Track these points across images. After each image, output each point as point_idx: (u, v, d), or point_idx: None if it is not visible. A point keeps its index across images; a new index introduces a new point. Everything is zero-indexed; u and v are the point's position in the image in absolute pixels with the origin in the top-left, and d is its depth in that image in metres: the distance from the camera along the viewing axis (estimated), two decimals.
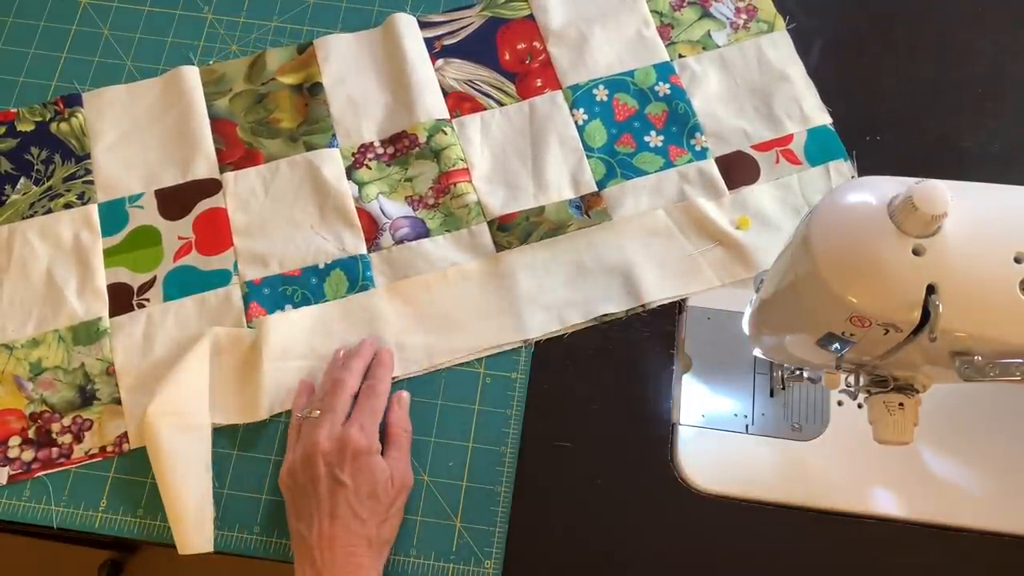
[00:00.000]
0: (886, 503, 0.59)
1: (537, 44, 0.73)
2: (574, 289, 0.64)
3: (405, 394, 0.61)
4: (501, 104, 0.71)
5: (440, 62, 0.72)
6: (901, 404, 0.49)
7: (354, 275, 0.65)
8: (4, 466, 0.60)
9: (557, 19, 0.73)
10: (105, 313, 0.63)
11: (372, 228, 0.66)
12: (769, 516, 0.59)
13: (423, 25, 0.73)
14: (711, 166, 0.68)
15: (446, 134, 0.68)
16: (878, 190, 0.43)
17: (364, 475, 0.54)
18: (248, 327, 0.63)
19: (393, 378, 0.61)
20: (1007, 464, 0.60)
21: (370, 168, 0.68)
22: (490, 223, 0.66)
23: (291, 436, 0.59)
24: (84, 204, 0.66)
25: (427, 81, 0.70)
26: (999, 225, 0.42)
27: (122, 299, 0.64)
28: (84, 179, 0.67)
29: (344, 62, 0.72)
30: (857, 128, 0.70)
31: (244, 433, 0.62)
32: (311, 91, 0.70)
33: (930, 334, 0.41)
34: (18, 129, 0.69)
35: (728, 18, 0.74)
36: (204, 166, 0.68)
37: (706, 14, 0.74)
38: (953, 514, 0.58)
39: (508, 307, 0.64)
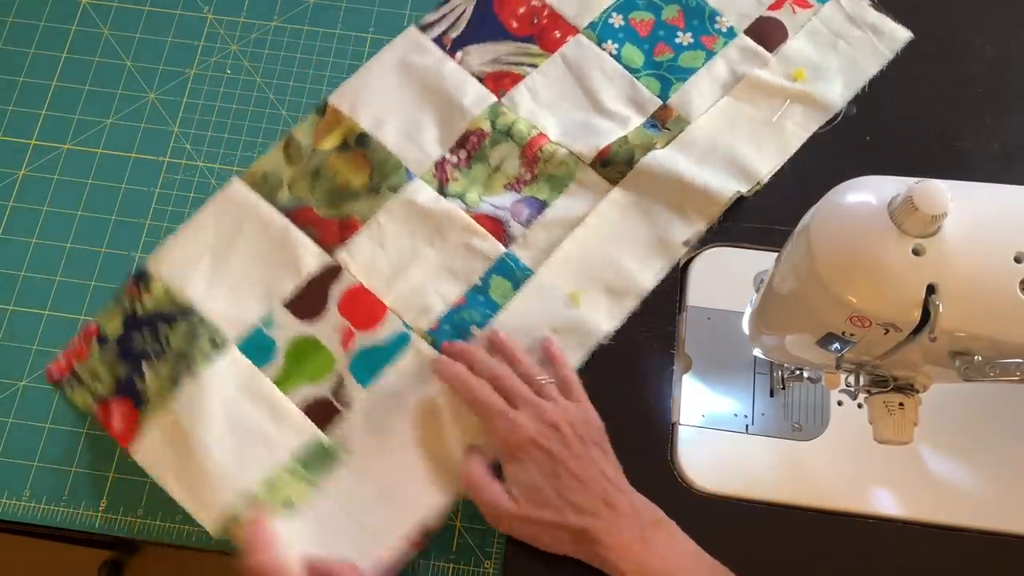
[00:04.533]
0: (886, 503, 0.59)
1: (535, 2, 0.73)
2: (707, 175, 0.66)
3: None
4: (535, 67, 0.71)
5: (459, 55, 0.71)
6: (901, 404, 0.49)
7: (511, 273, 0.64)
8: None
9: None
10: (318, 431, 0.60)
11: (497, 226, 0.66)
12: (769, 516, 0.59)
13: (423, 29, 0.73)
14: (744, 40, 0.72)
15: (505, 113, 0.69)
16: (878, 190, 0.43)
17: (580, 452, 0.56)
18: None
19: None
20: (1007, 464, 0.60)
21: (457, 179, 0.67)
22: (591, 165, 0.67)
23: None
24: (223, 349, 0.62)
25: (459, 77, 0.70)
26: (999, 225, 0.42)
27: (324, 411, 0.60)
28: (206, 329, 0.63)
29: (373, 104, 0.69)
30: (857, 128, 0.70)
31: None
32: (359, 142, 0.68)
33: (930, 334, 0.41)
34: (108, 335, 0.63)
35: None
36: (312, 258, 0.64)
37: None
38: (953, 514, 0.58)
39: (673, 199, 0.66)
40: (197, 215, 0.66)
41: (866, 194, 0.43)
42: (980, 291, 0.41)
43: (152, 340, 0.62)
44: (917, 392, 0.49)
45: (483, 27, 0.72)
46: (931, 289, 0.41)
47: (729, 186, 0.65)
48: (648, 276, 0.64)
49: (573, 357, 0.61)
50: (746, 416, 0.62)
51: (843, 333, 0.45)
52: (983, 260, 0.41)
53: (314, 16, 0.75)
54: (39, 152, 0.70)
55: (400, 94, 0.70)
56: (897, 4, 0.75)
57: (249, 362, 0.62)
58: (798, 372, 0.60)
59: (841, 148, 0.69)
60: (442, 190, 0.67)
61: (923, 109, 0.71)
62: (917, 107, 0.71)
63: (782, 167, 0.68)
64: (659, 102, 0.70)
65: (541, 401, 0.56)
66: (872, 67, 0.71)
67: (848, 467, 0.60)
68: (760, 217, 0.67)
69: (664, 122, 0.69)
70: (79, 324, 0.64)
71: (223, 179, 0.69)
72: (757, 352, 0.59)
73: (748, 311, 0.57)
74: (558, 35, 0.72)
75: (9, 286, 0.66)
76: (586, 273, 0.64)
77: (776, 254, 0.51)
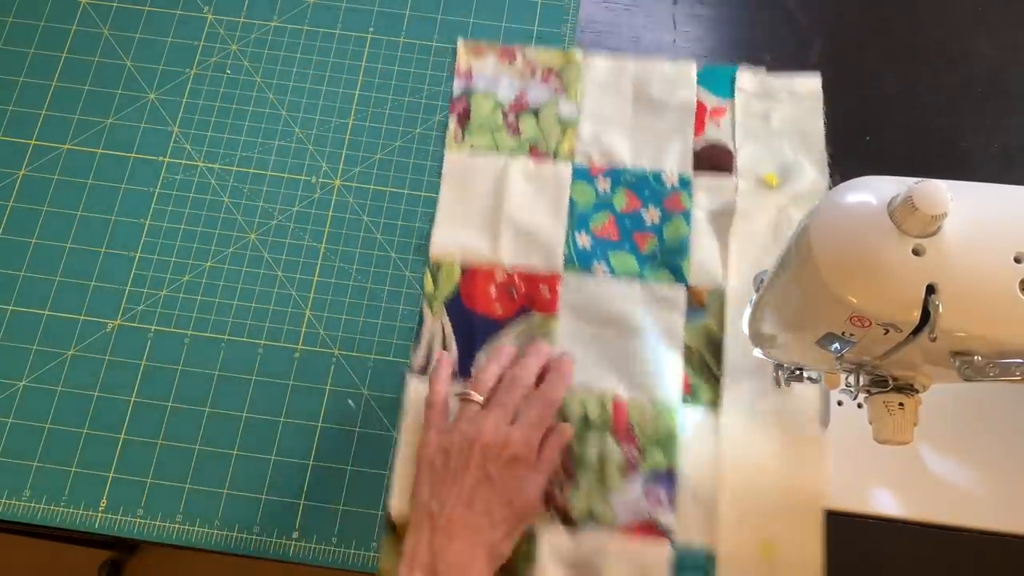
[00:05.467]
0: (886, 503, 0.59)
1: (498, 275, 0.65)
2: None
3: (569, 428, 0.59)
4: (550, 332, 0.63)
5: (471, 380, 0.60)
6: (901, 404, 0.49)
7: (696, 565, 0.57)
8: None
9: (480, 245, 0.66)
10: None
11: (647, 527, 0.58)
12: None
13: (421, 372, 0.63)
14: (701, 179, 0.68)
15: (566, 402, 0.61)
16: (878, 190, 0.43)
17: (513, 482, 0.54)
18: None
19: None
20: (1007, 464, 0.60)
21: (574, 505, 0.59)
22: (685, 402, 0.61)
23: (434, 412, 0.58)
24: None
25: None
26: (999, 225, 0.42)
27: None
28: None
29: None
30: (857, 128, 0.70)
31: (244, 433, 0.62)
32: None
33: (930, 334, 0.41)
34: None
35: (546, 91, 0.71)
36: None
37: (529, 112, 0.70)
38: (953, 514, 0.58)
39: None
40: None
41: (866, 194, 0.43)
42: (980, 291, 0.41)
43: None
44: (917, 392, 0.49)
45: (472, 333, 0.64)
46: (931, 289, 0.41)
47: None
48: (812, 475, 0.59)
49: None
50: None
51: (843, 333, 0.44)
52: (983, 260, 0.41)
53: (314, 16, 0.75)
54: (39, 152, 0.70)
55: None
56: (897, 5, 0.75)
57: None
58: (798, 372, 0.60)
59: (841, 148, 0.69)
60: (568, 520, 0.58)
61: (923, 109, 0.71)
62: (917, 107, 0.71)
63: None
64: (682, 286, 0.64)
65: (518, 427, 0.56)
66: (816, 126, 0.69)
67: (848, 467, 0.60)
68: None
69: (702, 302, 0.64)
70: (79, 324, 0.64)
71: (223, 179, 0.69)
72: (757, 352, 0.59)
73: (748, 311, 0.57)
74: (546, 291, 0.64)
75: (9, 286, 0.66)
76: (760, 518, 0.58)
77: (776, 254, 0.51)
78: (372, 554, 0.59)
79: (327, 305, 0.66)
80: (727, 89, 0.71)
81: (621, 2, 0.75)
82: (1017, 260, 0.41)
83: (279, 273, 0.67)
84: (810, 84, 0.70)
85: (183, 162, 0.70)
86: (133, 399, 0.63)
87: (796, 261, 0.46)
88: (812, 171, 0.67)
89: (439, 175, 0.69)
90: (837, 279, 0.42)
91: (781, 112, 0.70)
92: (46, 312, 0.65)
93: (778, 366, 0.61)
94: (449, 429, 0.56)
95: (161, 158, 0.70)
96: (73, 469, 0.61)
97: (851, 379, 0.50)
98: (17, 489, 0.60)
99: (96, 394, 0.63)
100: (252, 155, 0.70)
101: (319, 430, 0.62)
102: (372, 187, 0.69)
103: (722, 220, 0.66)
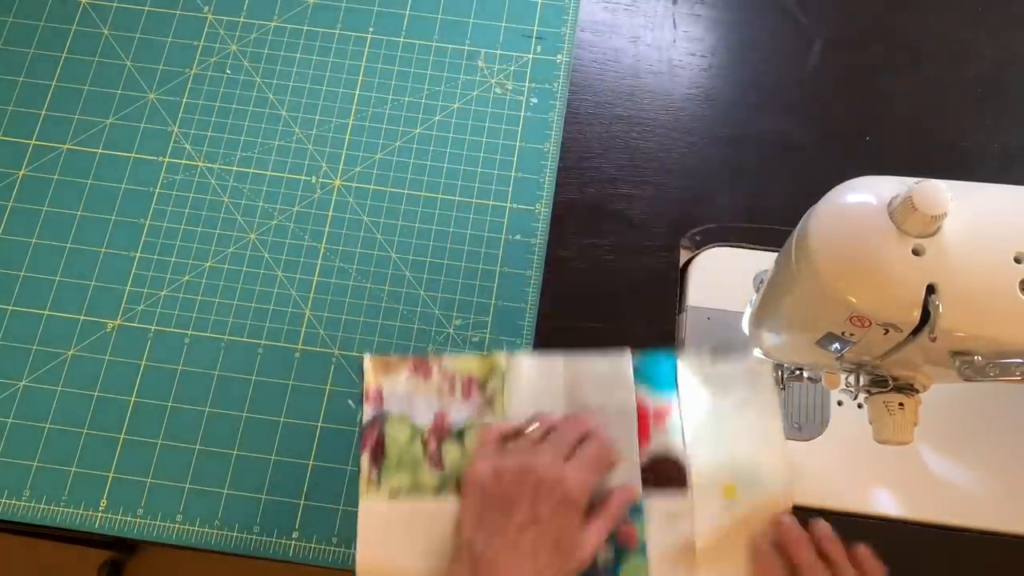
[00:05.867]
0: (886, 503, 0.59)
1: None
2: None
3: (635, 489, 0.56)
4: None
5: None
6: (901, 404, 0.49)
7: None
8: None
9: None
10: None
11: None
12: None
13: None
14: (653, 500, 0.57)
15: None
16: (878, 190, 0.43)
17: (558, 522, 0.50)
18: None
19: None
20: (1007, 464, 0.60)
21: None
22: None
23: (486, 446, 0.55)
24: None
25: None
26: (999, 225, 0.42)
27: None
28: None
29: None
30: (857, 128, 0.70)
31: (244, 433, 0.62)
32: None
33: (930, 334, 0.41)
34: None
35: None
36: None
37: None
38: (953, 514, 0.58)
39: None
40: None
41: (866, 194, 0.43)
42: (980, 291, 0.41)
43: None
44: (917, 392, 0.49)
45: None
46: (931, 289, 0.41)
47: None
48: None
49: None
50: None
51: (843, 333, 0.44)
52: (983, 260, 0.41)
53: (314, 16, 0.75)
54: (39, 152, 0.70)
55: None
56: (897, 5, 0.75)
57: None
58: (798, 372, 0.60)
59: (841, 148, 0.69)
60: None
61: (923, 109, 0.71)
62: (917, 107, 0.71)
63: (782, 167, 0.68)
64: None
65: (572, 465, 0.53)
66: (775, 421, 0.59)
67: (848, 467, 0.60)
68: (760, 217, 0.67)
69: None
70: (79, 324, 0.65)
71: (223, 179, 0.69)
72: (757, 352, 0.59)
73: (748, 311, 0.57)
74: None
75: (9, 286, 0.66)
76: None
77: (776, 254, 0.51)
78: None
79: (327, 305, 0.66)
80: (669, 382, 0.60)
81: (621, 2, 0.75)
82: (1017, 260, 0.41)
83: (279, 273, 0.67)
84: (759, 365, 0.60)
85: (183, 162, 0.70)
86: (133, 399, 0.63)
87: (796, 261, 0.46)
88: (774, 478, 0.57)
89: (440, 176, 0.70)
90: (837, 279, 0.42)
91: (731, 400, 0.60)
92: (46, 312, 0.65)
93: (778, 366, 0.61)
94: (503, 455, 0.54)
95: (161, 158, 0.70)
96: (73, 469, 0.61)
97: (851, 379, 0.51)
98: (17, 489, 0.60)
99: (96, 394, 0.63)
100: (252, 155, 0.70)
101: (319, 430, 0.62)
102: (372, 187, 0.69)
103: (685, 552, 0.56)
